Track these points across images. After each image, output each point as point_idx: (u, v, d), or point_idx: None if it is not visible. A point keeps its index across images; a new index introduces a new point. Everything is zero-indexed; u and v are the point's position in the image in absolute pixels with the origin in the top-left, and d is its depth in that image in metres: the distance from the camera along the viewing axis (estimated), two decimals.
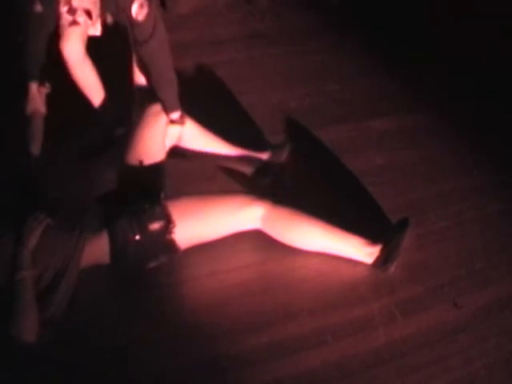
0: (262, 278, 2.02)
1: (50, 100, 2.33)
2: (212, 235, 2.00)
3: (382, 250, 2.00)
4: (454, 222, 2.28)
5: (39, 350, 1.72)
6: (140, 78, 2.47)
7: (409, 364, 1.77)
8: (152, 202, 1.93)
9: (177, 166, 2.31)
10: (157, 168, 2.17)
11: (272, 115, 2.79)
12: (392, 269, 1.99)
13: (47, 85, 2.34)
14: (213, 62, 3.14)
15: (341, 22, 3.79)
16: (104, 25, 2.35)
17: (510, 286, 2.05)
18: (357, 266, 2.04)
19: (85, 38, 2.38)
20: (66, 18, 2.28)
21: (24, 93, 2.28)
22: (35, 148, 2.27)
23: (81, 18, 2.29)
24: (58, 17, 2.26)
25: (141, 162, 2.14)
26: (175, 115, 2.26)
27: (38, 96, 2.29)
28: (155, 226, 1.88)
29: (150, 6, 2.11)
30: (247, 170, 2.40)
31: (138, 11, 2.10)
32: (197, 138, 2.37)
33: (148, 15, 2.11)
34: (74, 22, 2.29)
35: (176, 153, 2.34)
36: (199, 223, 1.95)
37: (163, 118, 2.23)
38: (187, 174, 2.36)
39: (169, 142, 2.29)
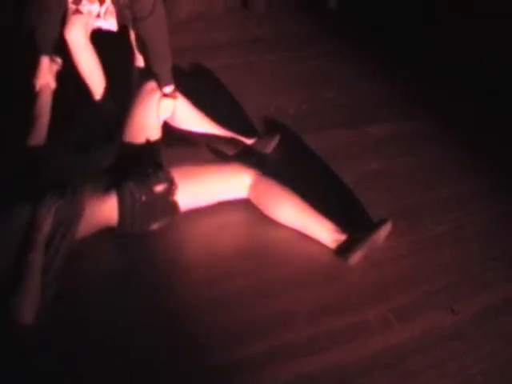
0: (258, 285, 2.02)
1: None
2: (208, 199, 2.17)
3: (346, 239, 2.07)
4: (450, 227, 2.28)
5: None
6: (140, 61, 2.64)
7: (405, 370, 1.76)
8: (155, 168, 2.11)
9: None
10: (153, 141, 2.31)
11: (270, 120, 2.80)
12: (352, 259, 2.03)
13: (58, 60, 2.44)
14: (211, 67, 3.15)
15: (339, 27, 3.81)
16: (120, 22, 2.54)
17: (506, 291, 2.05)
18: (353, 273, 2.05)
19: (88, 27, 2.52)
20: (70, 6, 2.46)
21: (35, 68, 2.37)
22: (42, 125, 2.30)
23: (84, 7, 2.47)
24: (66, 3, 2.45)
25: (138, 137, 2.28)
26: (168, 89, 2.38)
27: (48, 71, 2.39)
28: (159, 188, 2.05)
29: None
30: (232, 152, 2.50)
31: None
32: (188, 114, 2.49)
33: None
34: (77, 11, 2.47)
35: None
36: (197, 187, 2.13)
37: (157, 94, 2.35)
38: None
39: (163, 116, 2.40)
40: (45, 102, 2.36)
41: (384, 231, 2.09)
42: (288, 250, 2.15)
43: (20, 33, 2.71)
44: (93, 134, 2.50)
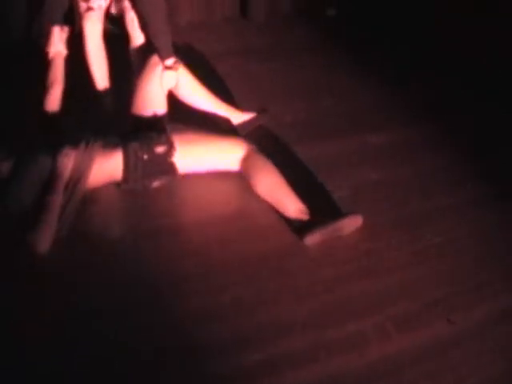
0: (256, 294, 2.02)
1: None
2: (204, 166, 2.40)
3: (309, 220, 2.19)
4: (449, 237, 2.28)
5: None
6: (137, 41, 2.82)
7: (402, 380, 1.76)
8: (159, 132, 2.35)
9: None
10: (159, 111, 2.54)
11: (267, 129, 2.80)
12: (309, 239, 2.14)
13: (67, 29, 2.62)
14: (209, 76, 3.16)
15: (337, 36, 3.81)
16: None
17: (504, 302, 2.05)
18: (351, 282, 2.05)
19: (103, 19, 2.74)
20: (82, 5, 2.69)
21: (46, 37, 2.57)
22: (57, 90, 2.51)
23: (94, 3, 2.67)
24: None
25: (144, 107, 2.52)
26: (170, 61, 2.59)
27: (60, 39, 2.58)
28: (160, 149, 2.30)
29: None
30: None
31: None
32: (190, 84, 2.68)
33: None
34: (89, 9, 2.68)
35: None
36: (195, 153, 2.37)
37: (159, 66, 2.57)
38: None
39: (166, 87, 2.60)
40: (58, 69, 2.57)
41: (351, 223, 2.19)
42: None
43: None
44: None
